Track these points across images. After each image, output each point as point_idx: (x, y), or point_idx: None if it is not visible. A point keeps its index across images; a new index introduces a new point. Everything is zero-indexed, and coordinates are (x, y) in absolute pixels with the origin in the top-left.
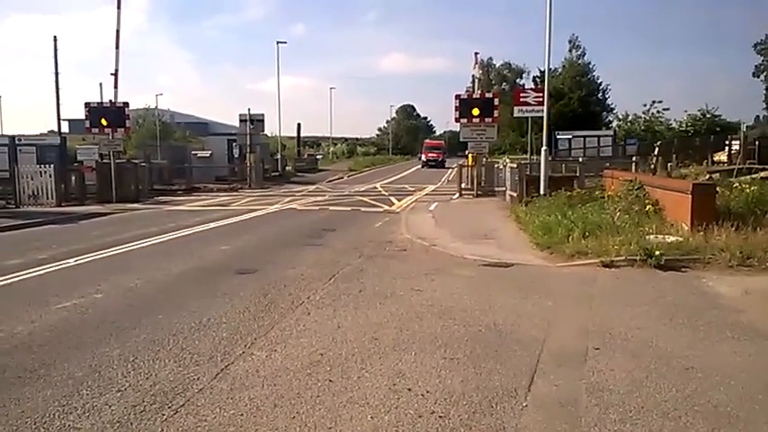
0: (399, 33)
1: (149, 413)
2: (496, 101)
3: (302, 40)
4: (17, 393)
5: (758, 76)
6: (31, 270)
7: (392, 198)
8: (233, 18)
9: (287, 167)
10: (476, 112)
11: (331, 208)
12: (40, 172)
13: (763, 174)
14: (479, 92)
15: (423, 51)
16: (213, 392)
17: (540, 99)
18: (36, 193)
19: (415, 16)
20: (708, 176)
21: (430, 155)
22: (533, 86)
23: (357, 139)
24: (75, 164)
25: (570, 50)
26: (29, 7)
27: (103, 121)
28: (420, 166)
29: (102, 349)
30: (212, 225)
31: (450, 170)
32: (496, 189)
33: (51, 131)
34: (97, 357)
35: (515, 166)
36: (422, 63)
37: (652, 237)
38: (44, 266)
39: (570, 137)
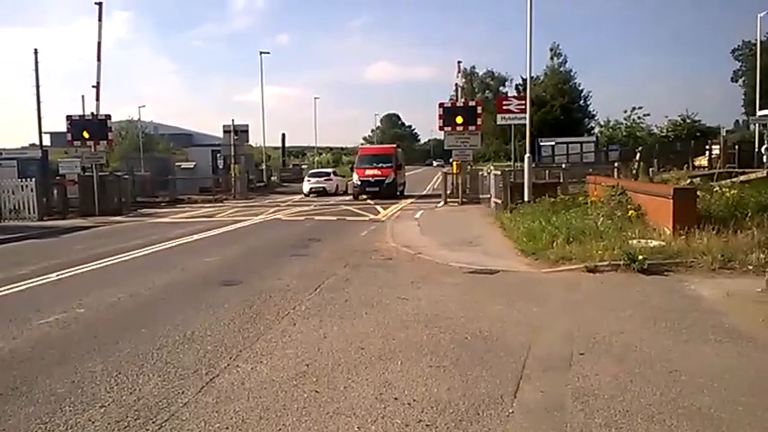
0: (385, 42)
1: (133, 429)
2: (479, 109)
3: (288, 50)
4: None
5: (737, 81)
6: (12, 285)
7: (378, 207)
8: (218, 28)
9: (272, 177)
10: (459, 120)
11: (316, 218)
12: (22, 186)
13: (742, 177)
14: (463, 100)
15: (408, 60)
16: (198, 406)
17: (523, 107)
18: (17, 207)
19: (401, 25)
20: (689, 181)
21: (368, 172)
22: (516, 94)
23: (342, 148)
24: (57, 177)
25: (552, 58)
26: (11, 20)
27: (85, 134)
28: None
29: (84, 365)
30: (196, 237)
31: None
32: (481, 196)
33: (33, 145)
34: (80, 373)
35: (499, 173)
36: (407, 72)
37: (635, 241)
38: (26, 281)
39: (553, 143)
